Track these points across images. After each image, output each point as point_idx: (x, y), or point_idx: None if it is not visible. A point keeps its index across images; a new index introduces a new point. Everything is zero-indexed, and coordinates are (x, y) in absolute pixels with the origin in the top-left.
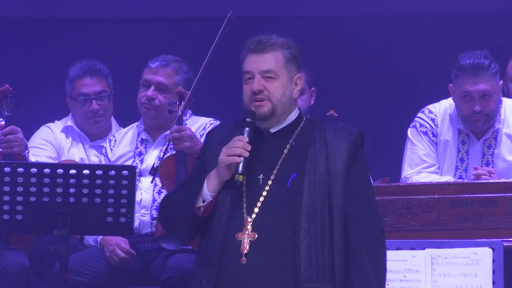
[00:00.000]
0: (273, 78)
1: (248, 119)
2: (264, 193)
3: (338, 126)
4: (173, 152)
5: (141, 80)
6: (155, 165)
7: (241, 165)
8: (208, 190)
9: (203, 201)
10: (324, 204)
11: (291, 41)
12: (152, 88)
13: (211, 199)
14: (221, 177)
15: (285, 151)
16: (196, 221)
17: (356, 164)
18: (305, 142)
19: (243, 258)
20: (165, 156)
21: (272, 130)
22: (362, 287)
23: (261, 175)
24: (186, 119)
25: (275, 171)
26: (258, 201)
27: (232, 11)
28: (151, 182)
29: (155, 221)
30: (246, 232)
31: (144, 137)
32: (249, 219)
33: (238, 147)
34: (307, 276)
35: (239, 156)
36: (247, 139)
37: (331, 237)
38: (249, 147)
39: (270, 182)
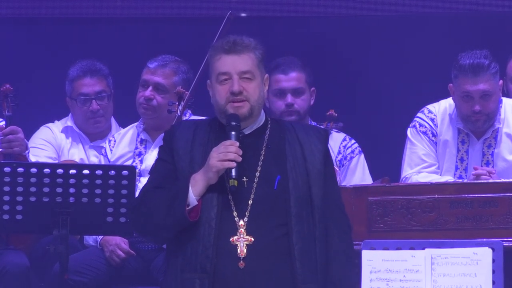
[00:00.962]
0: (250, 79)
1: (233, 123)
2: (252, 196)
3: (306, 126)
4: None
5: (140, 80)
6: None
7: (234, 170)
8: (194, 193)
9: (188, 205)
10: (308, 205)
11: (258, 41)
12: (150, 88)
13: (197, 203)
14: (209, 181)
15: (262, 152)
16: (185, 225)
17: (329, 164)
18: (279, 142)
19: (241, 262)
20: None
21: (247, 132)
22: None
23: (244, 177)
24: (186, 119)
25: (257, 173)
26: (248, 204)
27: (231, 11)
28: None
29: None
30: (241, 236)
31: (143, 137)
32: (242, 223)
33: (232, 152)
34: (303, 278)
35: (233, 161)
36: (238, 144)
37: (314, 237)
38: (241, 152)
39: (255, 185)
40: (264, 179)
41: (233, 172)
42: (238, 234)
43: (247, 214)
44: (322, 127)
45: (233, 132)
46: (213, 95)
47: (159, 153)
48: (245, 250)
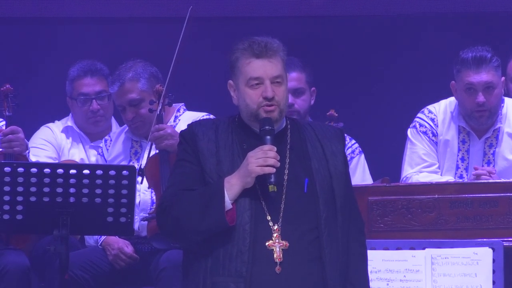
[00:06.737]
0: (280, 83)
1: (268, 127)
2: (284, 200)
3: (322, 125)
4: (156, 151)
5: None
6: (142, 166)
7: (273, 175)
8: (229, 197)
9: None
10: (333, 208)
11: (280, 42)
12: (128, 109)
13: (231, 206)
14: (246, 186)
15: (287, 154)
16: (222, 230)
17: (347, 164)
18: (300, 142)
19: (278, 267)
20: (149, 156)
21: None
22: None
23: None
24: (180, 115)
25: (285, 176)
26: (280, 208)
27: (192, 7)
28: (140, 183)
29: (145, 222)
30: (277, 240)
31: (135, 139)
32: (276, 227)
33: (271, 157)
34: (333, 281)
35: (272, 166)
36: (275, 148)
37: (338, 239)
38: (279, 157)
39: (285, 189)
40: (292, 182)
41: (273, 178)
42: (273, 238)
43: (280, 218)
44: (336, 126)
45: (268, 136)
46: (241, 98)
47: (180, 154)
48: (281, 255)
